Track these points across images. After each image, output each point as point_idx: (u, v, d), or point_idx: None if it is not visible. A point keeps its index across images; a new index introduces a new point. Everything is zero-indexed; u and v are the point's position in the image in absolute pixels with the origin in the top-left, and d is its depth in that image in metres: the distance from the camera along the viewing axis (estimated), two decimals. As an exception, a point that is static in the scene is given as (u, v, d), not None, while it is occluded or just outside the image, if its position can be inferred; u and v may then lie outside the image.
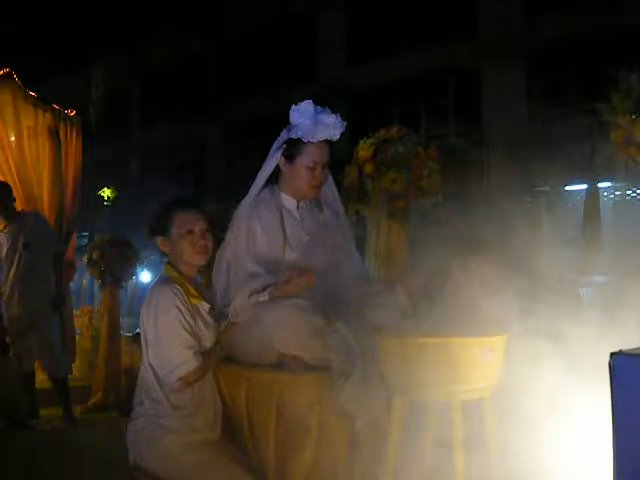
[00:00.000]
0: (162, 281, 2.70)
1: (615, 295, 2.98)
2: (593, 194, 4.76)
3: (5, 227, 5.26)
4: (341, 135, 2.87)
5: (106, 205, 15.28)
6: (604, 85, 3.44)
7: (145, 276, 8.53)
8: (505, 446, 2.25)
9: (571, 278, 3.30)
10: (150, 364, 2.63)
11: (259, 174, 2.93)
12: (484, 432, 2.28)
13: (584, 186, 5.55)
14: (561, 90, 13.10)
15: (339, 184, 3.36)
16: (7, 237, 5.22)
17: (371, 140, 4.26)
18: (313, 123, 2.79)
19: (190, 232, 2.70)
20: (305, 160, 2.83)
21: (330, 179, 3.02)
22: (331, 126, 2.81)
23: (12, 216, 5.28)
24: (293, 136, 2.82)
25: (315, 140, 2.80)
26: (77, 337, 6.55)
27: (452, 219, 2.89)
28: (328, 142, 2.86)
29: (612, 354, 1.23)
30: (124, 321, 6.59)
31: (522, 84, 13.59)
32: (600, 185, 5.13)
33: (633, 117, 3.16)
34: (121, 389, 5.78)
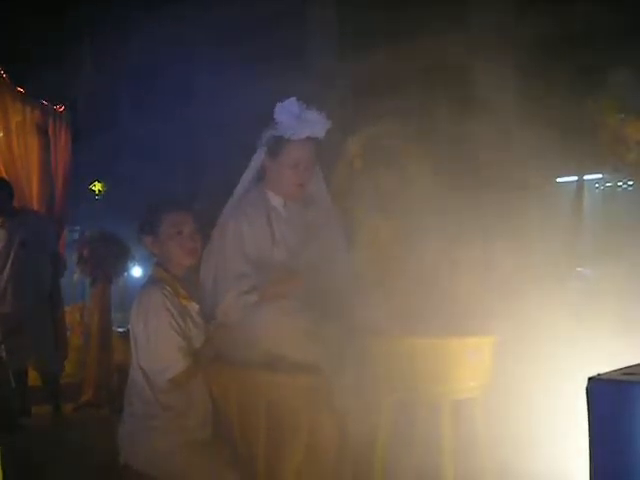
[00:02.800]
0: (152, 282, 2.69)
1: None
2: (580, 187, 4.74)
3: (2, 224, 5.22)
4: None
5: (97, 199, 15.14)
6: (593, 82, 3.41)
7: (137, 271, 8.45)
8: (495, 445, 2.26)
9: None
10: (140, 365, 2.62)
11: (245, 172, 2.90)
12: (474, 431, 2.29)
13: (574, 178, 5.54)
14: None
15: (328, 180, 3.31)
16: (4, 234, 5.19)
17: (360, 136, 4.21)
18: (296, 120, 2.72)
19: (179, 233, 2.69)
20: (288, 158, 2.76)
21: (319, 175, 2.95)
22: (314, 123, 2.73)
23: (9, 213, 5.25)
24: (276, 133, 2.76)
25: (297, 137, 2.73)
26: (68, 334, 6.51)
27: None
28: (313, 140, 2.78)
29: (590, 379, 1.22)
30: (116, 316, 6.54)
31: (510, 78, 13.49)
32: (590, 177, 5.12)
33: (622, 117, 3.14)
34: (113, 386, 5.75)
